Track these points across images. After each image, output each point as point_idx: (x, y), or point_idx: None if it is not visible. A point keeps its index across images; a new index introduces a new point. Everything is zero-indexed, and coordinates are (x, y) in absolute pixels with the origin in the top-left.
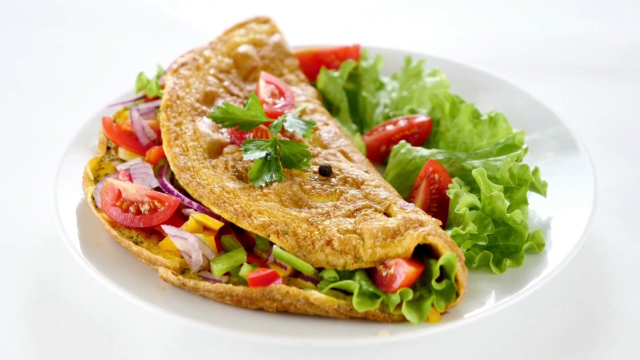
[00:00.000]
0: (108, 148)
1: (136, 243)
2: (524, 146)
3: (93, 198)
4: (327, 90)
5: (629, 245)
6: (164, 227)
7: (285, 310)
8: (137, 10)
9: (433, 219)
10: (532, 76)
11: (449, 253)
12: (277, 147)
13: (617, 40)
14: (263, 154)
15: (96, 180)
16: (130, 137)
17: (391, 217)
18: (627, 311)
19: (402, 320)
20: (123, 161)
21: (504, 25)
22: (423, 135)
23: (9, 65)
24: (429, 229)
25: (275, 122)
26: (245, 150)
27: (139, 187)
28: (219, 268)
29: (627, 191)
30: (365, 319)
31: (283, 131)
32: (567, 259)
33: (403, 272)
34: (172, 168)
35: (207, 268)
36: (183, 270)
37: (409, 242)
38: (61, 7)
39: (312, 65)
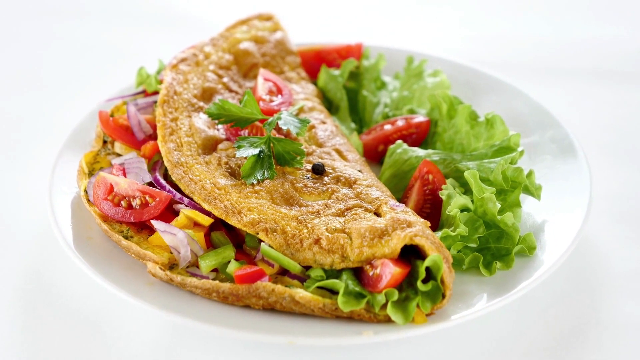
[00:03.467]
0: (104, 142)
1: (126, 237)
2: (520, 149)
3: (86, 191)
4: (328, 89)
5: (623, 251)
6: (153, 222)
7: (271, 308)
8: (148, 3)
9: (421, 219)
10: (539, 79)
11: (435, 254)
12: (271, 145)
13: (628, 45)
14: (256, 151)
15: (90, 173)
16: (127, 132)
17: (381, 217)
18: (616, 317)
19: (388, 320)
20: (119, 155)
21: (513, 28)
22: (421, 136)
23: (18, 57)
24: (417, 230)
25: (270, 119)
26: (238, 147)
27: (131, 181)
28: (206, 264)
29: (628, 197)
30: (351, 318)
31: (279, 129)
32: (558, 262)
33: (389, 272)
34: (166, 163)
35: (195, 264)
36: (172, 265)
37: (396, 242)
38: (68, 2)
39: (315, 63)
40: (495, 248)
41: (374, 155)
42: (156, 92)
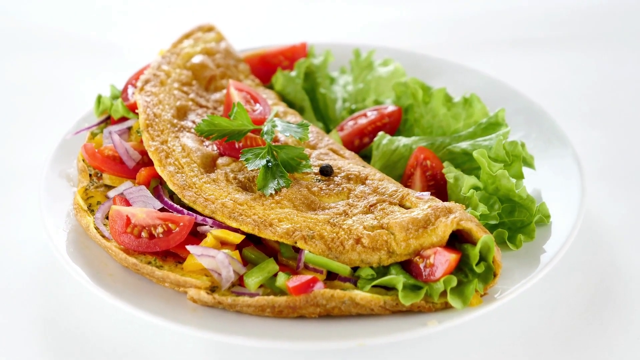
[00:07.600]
0: (90, 175)
1: (158, 268)
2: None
3: (96, 228)
4: (287, 92)
5: (612, 206)
6: (189, 247)
7: (327, 315)
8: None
9: (457, 204)
10: (475, 55)
11: (486, 236)
12: (275, 153)
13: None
14: (263, 161)
15: (90, 209)
16: (115, 162)
17: (409, 208)
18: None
19: (445, 307)
20: (109, 187)
21: (429, 9)
22: (394, 125)
23: None
24: (460, 215)
25: (266, 128)
26: (247, 160)
27: (148, 210)
28: (253, 281)
29: (611, 155)
30: (409, 312)
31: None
32: (576, 227)
33: (445, 260)
34: (172, 187)
35: (235, 283)
36: (212, 288)
37: (443, 229)
38: None
39: (261, 68)
40: (510, 222)
41: (351, 150)
42: (124, 118)
